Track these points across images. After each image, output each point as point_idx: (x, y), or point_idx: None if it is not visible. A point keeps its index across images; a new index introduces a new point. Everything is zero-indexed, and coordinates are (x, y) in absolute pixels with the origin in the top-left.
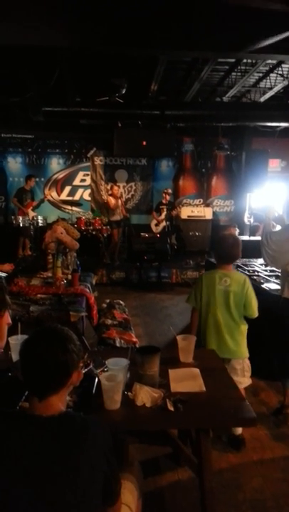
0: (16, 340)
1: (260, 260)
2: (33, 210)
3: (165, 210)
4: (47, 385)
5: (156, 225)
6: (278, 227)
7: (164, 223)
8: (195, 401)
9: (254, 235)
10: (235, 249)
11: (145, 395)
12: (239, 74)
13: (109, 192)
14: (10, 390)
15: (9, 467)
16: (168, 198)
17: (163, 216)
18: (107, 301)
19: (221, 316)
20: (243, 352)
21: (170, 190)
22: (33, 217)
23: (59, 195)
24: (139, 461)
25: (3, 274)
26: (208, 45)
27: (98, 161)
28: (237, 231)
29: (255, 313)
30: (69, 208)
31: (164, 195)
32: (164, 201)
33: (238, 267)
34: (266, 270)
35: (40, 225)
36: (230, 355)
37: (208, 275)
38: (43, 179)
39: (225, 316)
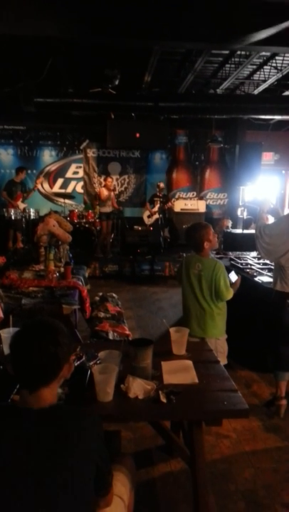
0: (8, 333)
1: (253, 253)
2: (23, 201)
3: (159, 202)
4: (37, 378)
5: (149, 216)
6: (272, 220)
7: (156, 215)
8: (188, 393)
9: (247, 228)
10: (197, 236)
11: (138, 387)
12: (233, 66)
13: (103, 183)
14: (1, 383)
15: (0, 460)
16: (162, 191)
17: (156, 208)
18: (100, 294)
19: (194, 297)
20: (215, 333)
21: (162, 185)
22: (24, 209)
23: (51, 187)
24: (131, 453)
25: None
26: (201, 36)
27: (91, 153)
28: (230, 223)
29: (225, 296)
30: (61, 200)
31: (157, 188)
32: (158, 193)
33: (231, 259)
34: (259, 263)
35: (32, 217)
36: (202, 334)
37: (188, 258)
38: (35, 171)
39: (197, 297)
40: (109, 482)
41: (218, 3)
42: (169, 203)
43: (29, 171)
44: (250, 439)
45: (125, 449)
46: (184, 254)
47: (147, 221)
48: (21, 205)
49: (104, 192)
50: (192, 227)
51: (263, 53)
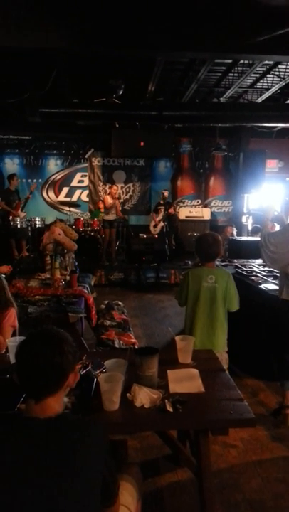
0: (14, 342)
1: (258, 261)
2: (22, 210)
3: (162, 210)
4: (43, 387)
5: (155, 226)
6: (277, 228)
7: (161, 224)
8: (194, 402)
9: (252, 235)
10: (215, 247)
11: (144, 396)
12: (236, 75)
13: (108, 191)
14: (8, 392)
15: (6, 470)
16: (165, 198)
17: (160, 217)
18: (106, 302)
19: (206, 311)
20: (222, 345)
21: (166, 193)
22: (29, 218)
23: (57, 196)
24: (138, 462)
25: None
26: (204, 46)
27: (96, 161)
28: (235, 231)
29: (236, 306)
30: (67, 208)
31: (161, 196)
32: (161, 202)
33: (236, 267)
34: (264, 271)
35: (37, 226)
36: (211, 347)
37: (195, 272)
38: (40, 180)
39: (209, 311)
40: (116, 492)
41: (221, 13)
42: (171, 209)
43: (35, 180)
44: (257, 449)
45: (132, 458)
46: (190, 262)
47: (153, 231)
48: (21, 214)
49: (109, 200)
50: (206, 239)
51: (266, 62)
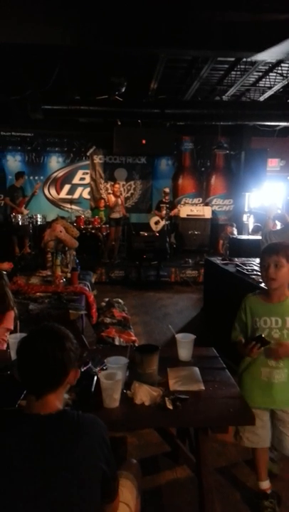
0: (15, 339)
1: (259, 259)
2: (25, 207)
3: (165, 208)
4: (44, 384)
5: (156, 223)
6: (279, 226)
7: (163, 222)
8: (194, 400)
9: (253, 234)
10: None
11: (144, 394)
12: (239, 73)
13: (109, 190)
14: (9, 388)
15: (7, 466)
16: (167, 197)
17: (163, 214)
18: (106, 299)
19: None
20: None
21: (168, 190)
22: (32, 216)
23: (58, 193)
24: (137, 460)
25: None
26: (207, 44)
27: (98, 159)
28: (235, 230)
29: None
30: (68, 206)
31: (163, 194)
32: (164, 200)
33: (236, 265)
34: None
35: (39, 223)
36: (279, 405)
37: (254, 299)
38: (42, 177)
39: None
40: (116, 488)
41: (223, 11)
42: (175, 210)
43: (36, 177)
44: None
45: (131, 455)
46: (190, 260)
47: (155, 228)
48: (24, 211)
49: (112, 198)
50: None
51: (269, 60)
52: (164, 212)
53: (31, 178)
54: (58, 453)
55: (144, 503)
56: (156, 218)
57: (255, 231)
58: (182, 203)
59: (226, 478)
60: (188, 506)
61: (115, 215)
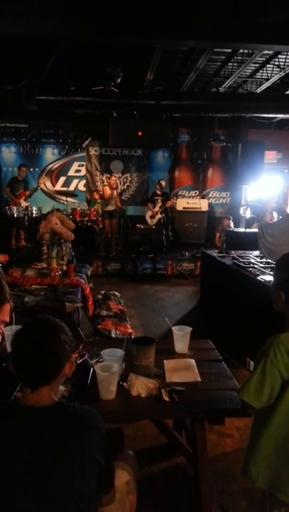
0: (11, 331)
1: (256, 252)
2: (25, 199)
3: (160, 201)
4: (39, 376)
5: (152, 217)
6: (276, 219)
7: (159, 215)
8: (190, 391)
9: (250, 227)
10: None
11: (140, 385)
12: (235, 64)
13: (106, 182)
14: (4, 380)
15: (2, 458)
16: (162, 188)
17: (158, 208)
18: (103, 292)
19: None
20: None
21: (164, 182)
22: (26, 207)
23: (54, 185)
24: (134, 451)
25: None
26: (204, 34)
27: (93, 151)
28: (232, 223)
29: None
30: (64, 198)
31: (157, 186)
32: (158, 192)
33: (233, 258)
34: (262, 262)
35: (34, 215)
36: None
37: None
38: (37, 169)
39: None
40: (112, 480)
41: (220, 1)
42: (170, 202)
43: (31, 169)
44: None
45: (128, 446)
46: (186, 253)
47: (150, 222)
48: (23, 203)
49: (108, 190)
50: None
51: (266, 52)
52: (158, 205)
53: (31, 170)
54: (53, 445)
55: (140, 494)
56: (150, 213)
57: (249, 223)
58: (179, 195)
59: (223, 470)
60: (185, 497)
61: (109, 208)
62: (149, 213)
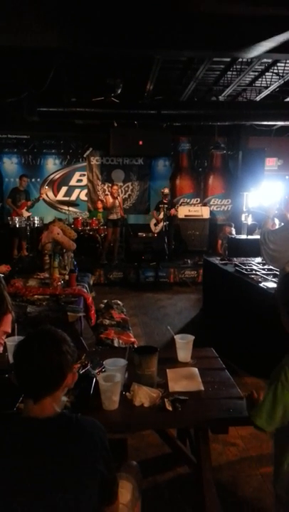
0: (13, 342)
1: (258, 259)
2: (27, 210)
3: (164, 209)
4: (41, 387)
5: (156, 224)
6: (278, 225)
7: (162, 223)
8: (193, 400)
9: (251, 234)
10: None
11: (143, 395)
12: (235, 73)
13: (107, 191)
14: (7, 392)
15: (5, 469)
16: (167, 197)
17: (162, 216)
18: (105, 301)
19: None
20: None
21: (167, 190)
22: (28, 218)
23: (55, 195)
24: (138, 461)
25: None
26: (202, 45)
27: (94, 161)
28: (233, 230)
29: None
30: (66, 208)
31: (162, 194)
32: (164, 200)
33: (235, 265)
34: (264, 269)
35: (36, 225)
36: None
37: None
38: (39, 179)
39: None
40: (115, 491)
41: (219, 11)
42: (173, 210)
43: (33, 180)
44: (257, 447)
45: (131, 457)
46: (189, 261)
47: (154, 229)
48: (25, 214)
49: (110, 199)
50: None
51: (265, 60)
52: (162, 213)
53: (32, 180)
54: (56, 456)
55: (144, 504)
56: (154, 221)
57: (251, 229)
58: (180, 203)
59: (228, 479)
60: (189, 507)
61: (113, 217)
62: (153, 221)
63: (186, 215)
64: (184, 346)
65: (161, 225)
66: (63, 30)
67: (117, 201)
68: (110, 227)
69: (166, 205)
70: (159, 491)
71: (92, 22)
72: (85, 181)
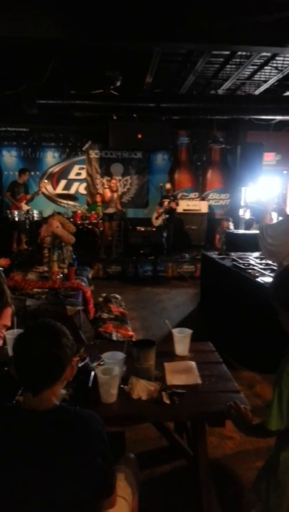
0: (12, 335)
1: (256, 254)
2: (26, 203)
3: (166, 203)
4: (40, 380)
5: (157, 218)
6: (275, 220)
7: (163, 216)
8: (191, 394)
9: (249, 228)
10: None
11: (141, 388)
12: (234, 66)
13: (106, 185)
14: (6, 385)
15: (4, 462)
16: (170, 192)
17: (163, 209)
18: (104, 295)
19: None
20: None
21: (169, 185)
22: (27, 211)
23: (54, 188)
24: (135, 454)
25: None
26: (201, 37)
27: (93, 154)
28: (231, 225)
29: None
30: (64, 201)
31: (165, 190)
32: (169, 195)
33: (233, 260)
34: (261, 264)
35: (35, 219)
36: None
37: None
38: (38, 173)
39: None
40: (113, 483)
41: (218, 4)
42: (173, 203)
43: (32, 173)
44: (254, 440)
45: (129, 450)
46: (187, 255)
47: (155, 223)
48: (25, 207)
49: (108, 193)
50: None
51: (264, 54)
52: (164, 207)
53: (32, 173)
54: (54, 449)
55: (141, 497)
56: (155, 214)
57: (248, 224)
58: (179, 197)
59: (224, 472)
60: (185, 500)
61: (109, 210)
62: (155, 214)
63: (184, 210)
64: (181, 340)
65: (161, 218)
66: (61, 21)
67: (114, 195)
68: (106, 220)
69: (168, 199)
70: (157, 483)
71: (92, 13)
72: (84, 175)
